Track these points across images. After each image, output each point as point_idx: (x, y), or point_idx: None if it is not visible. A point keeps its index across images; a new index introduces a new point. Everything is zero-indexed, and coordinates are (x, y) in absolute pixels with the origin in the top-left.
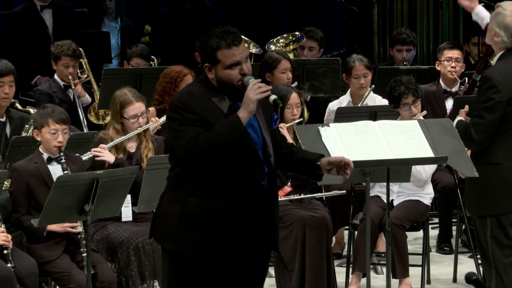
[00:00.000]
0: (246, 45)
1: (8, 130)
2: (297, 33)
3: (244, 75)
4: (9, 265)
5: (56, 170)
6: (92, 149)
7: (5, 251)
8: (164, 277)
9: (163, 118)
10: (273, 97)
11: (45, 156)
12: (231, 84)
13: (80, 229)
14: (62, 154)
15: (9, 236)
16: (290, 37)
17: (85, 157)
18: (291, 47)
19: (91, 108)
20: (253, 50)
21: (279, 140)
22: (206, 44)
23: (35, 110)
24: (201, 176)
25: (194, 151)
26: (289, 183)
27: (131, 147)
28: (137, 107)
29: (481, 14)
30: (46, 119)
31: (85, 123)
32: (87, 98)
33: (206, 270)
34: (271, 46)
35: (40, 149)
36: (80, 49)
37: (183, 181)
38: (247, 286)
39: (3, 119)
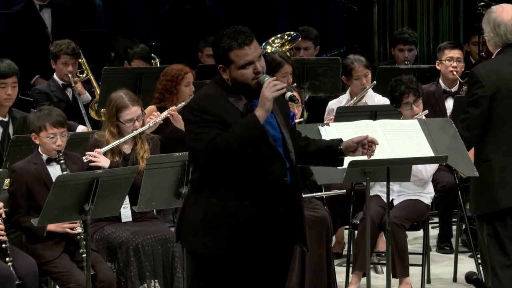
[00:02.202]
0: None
1: (11, 130)
2: (291, 32)
3: (258, 74)
4: (7, 259)
5: (55, 171)
6: (87, 153)
7: (3, 245)
8: (187, 279)
9: (164, 113)
10: (288, 94)
11: (45, 157)
12: (246, 84)
13: (79, 229)
14: (61, 155)
15: (3, 228)
16: (285, 37)
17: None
18: (287, 47)
19: (92, 104)
20: None
21: (296, 136)
22: (218, 46)
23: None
24: (222, 177)
25: (213, 153)
26: None
27: (127, 148)
28: (133, 111)
29: None
30: (43, 122)
31: (87, 120)
32: (87, 96)
33: (233, 269)
34: (267, 47)
35: (40, 150)
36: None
37: (205, 183)
38: (272, 281)
39: (6, 119)
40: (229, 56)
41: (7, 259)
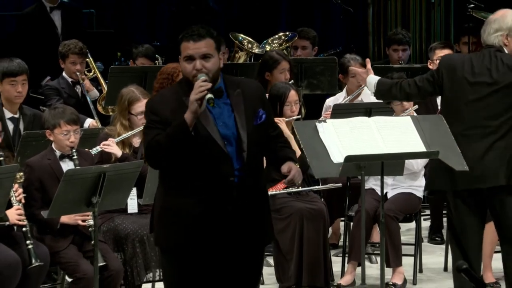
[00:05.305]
0: (248, 45)
1: (21, 126)
2: (287, 32)
3: (198, 71)
4: (28, 241)
5: (68, 167)
6: (102, 143)
7: (24, 229)
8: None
9: None
10: (208, 96)
11: (58, 153)
12: (188, 79)
13: (91, 222)
14: (74, 151)
15: (23, 213)
16: (283, 37)
17: (93, 151)
18: (284, 45)
19: (100, 99)
20: (256, 50)
21: (268, 135)
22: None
23: (46, 110)
24: (172, 174)
25: (148, 154)
26: None
27: (136, 142)
28: (144, 104)
29: (371, 79)
30: (58, 120)
31: (95, 114)
32: (95, 92)
33: (188, 265)
34: (266, 47)
35: (53, 147)
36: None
37: (162, 180)
38: (239, 282)
39: (16, 116)
40: (180, 47)
41: (27, 242)
